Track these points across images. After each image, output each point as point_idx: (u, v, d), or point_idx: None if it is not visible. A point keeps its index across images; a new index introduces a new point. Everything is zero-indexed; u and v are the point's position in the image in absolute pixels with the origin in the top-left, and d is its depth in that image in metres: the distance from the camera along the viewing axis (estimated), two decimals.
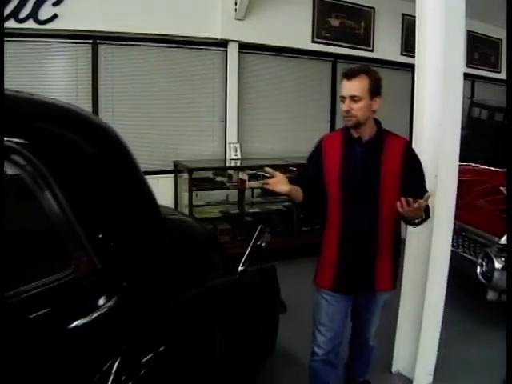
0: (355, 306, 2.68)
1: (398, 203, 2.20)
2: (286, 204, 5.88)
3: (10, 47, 4.90)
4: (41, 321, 1.51)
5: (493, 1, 6.22)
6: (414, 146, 3.11)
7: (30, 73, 5.06)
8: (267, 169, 2.48)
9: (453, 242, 4.17)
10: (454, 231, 4.18)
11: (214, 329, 2.12)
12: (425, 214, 2.39)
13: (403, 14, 7.27)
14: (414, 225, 2.47)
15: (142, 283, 1.82)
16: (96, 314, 1.59)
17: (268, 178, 2.44)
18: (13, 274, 1.43)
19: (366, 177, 2.45)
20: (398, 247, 2.62)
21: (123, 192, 1.83)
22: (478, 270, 3.82)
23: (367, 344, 2.82)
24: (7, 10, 4.79)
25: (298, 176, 3.19)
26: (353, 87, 2.36)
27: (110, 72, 5.47)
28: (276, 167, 5.55)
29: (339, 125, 3.39)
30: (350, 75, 2.38)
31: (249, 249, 2.51)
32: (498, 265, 3.63)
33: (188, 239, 2.46)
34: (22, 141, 1.47)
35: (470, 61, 8.40)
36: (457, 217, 3.96)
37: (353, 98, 2.35)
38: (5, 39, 4.82)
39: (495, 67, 8.79)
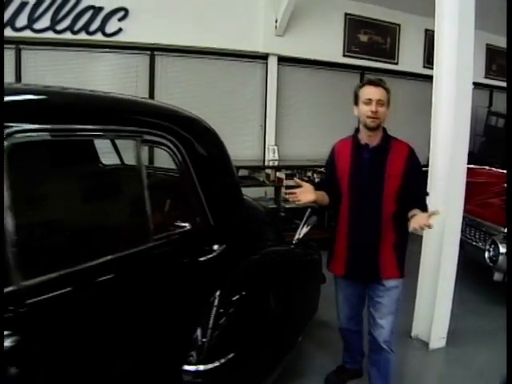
0: (368, 296, 2.84)
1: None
2: None
3: (81, 57, 5.67)
4: (178, 255, 2.17)
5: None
6: (431, 146, 3.63)
7: (97, 79, 5.75)
8: (295, 179, 2.84)
9: (466, 233, 4.74)
10: (468, 225, 4.75)
11: (277, 284, 2.70)
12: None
13: (426, 30, 7.67)
14: None
15: (236, 240, 2.48)
16: (212, 255, 2.27)
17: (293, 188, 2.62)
18: (166, 222, 2.12)
19: (372, 179, 2.63)
20: (402, 241, 2.74)
21: (221, 173, 2.51)
22: (486, 254, 4.28)
23: (380, 345, 2.79)
24: (79, 25, 5.50)
25: (321, 181, 3.55)
26: (380, 93, 2.56)
27: (164, 79, 6.16)
28: (309, 168, 6.17)
29: None
30: (376, 83, 2.59)
31: (301, 227, 3.18)
32: (502, 249, 4.10)
33: (254, 214, 3.12)
34: (166, 133, 2.17)
35: (488, 72, 8.74)
36: (471, 212, 4.51)
37: (379, 102, 2.55)
38: (76, 50, 5.58)
39: None
